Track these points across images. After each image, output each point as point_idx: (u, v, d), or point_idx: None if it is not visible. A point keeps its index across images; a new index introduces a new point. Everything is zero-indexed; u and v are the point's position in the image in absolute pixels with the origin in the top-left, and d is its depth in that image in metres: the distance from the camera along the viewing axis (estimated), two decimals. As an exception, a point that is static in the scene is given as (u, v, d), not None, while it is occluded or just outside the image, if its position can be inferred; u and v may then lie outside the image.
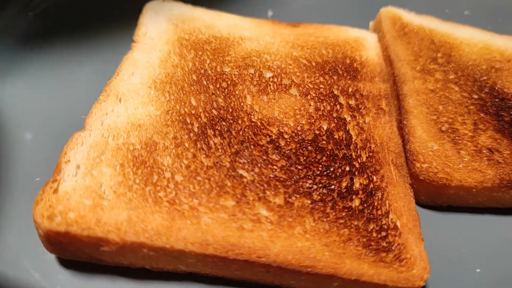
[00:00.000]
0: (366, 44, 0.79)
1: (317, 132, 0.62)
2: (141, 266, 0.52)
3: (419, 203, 0.63)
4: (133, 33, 0.74)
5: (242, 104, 0.64)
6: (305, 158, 0.59)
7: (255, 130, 0.61)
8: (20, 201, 0.58)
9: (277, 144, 0.60)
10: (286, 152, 0.59)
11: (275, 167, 0.57)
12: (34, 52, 0.76)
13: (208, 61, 0.70)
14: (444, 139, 0.65)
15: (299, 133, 0.62)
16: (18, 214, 0.56)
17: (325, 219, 0.54)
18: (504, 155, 0.64)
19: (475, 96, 0.71)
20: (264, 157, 0.58)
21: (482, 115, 0.69)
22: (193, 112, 0.62)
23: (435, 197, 0.63)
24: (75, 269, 0.53)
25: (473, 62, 0.77)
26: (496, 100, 0.71)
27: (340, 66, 0.73)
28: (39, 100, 0.70)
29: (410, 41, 0.79)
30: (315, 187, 0.56)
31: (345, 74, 0.72)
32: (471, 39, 0.81)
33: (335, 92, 0.69)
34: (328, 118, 0.65)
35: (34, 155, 0.63)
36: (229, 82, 0.67)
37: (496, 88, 0.73)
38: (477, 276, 0.58)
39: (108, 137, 0.57)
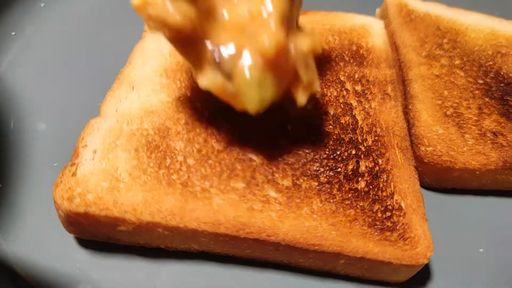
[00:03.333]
0: (372, 31, 0.80)
1: (324, 117, 0.64)
2: (156, 246, 0.55)
3: (424, 186, 0.65)
4: (143, 22, 0.76)
5: (250, 90, 0.66)
6: (312, 142, 0.61)
7: (264, 115, 0.63)
8: (40, 185, 0.60)
9: (285, 128, 0.62)
10: (294, 136, 0.61)
11: (283, 151, 0.59)
12: (45, 41, 0.78)
13: (217, 49, 0.71)
14: (448, 123, 0.66)
15: (306, 118, 0.64)
16: (38, 197, 0.59)
17: (331, 200, 0.56)
18: (508, 138, 0.65)
19: (480, 81, 0.72)
20: (273, 141, 0.60)
21: (487, 99, 0.70)
22: (203, 98, 0.63)
23: (439, 179, 0.65)
24: (94, 248, 0.56)
25: (479, 47, 0.78)
26: (502, 85, 0.72)
27: (346, 53, 0.74)
28: (52, 89, 0.72)
29: (416, 28, 0.79)
30: (322, 170, 0.58)
31: (351, 61, 0.73)
32: (477, 25, 0.82)
33: (342, 78, 0.70)
34: (335, 104, 0.66)
35: (49, 141, 0.65)
36: (238, 69, 0.69)
37: (502, 73, 0.73)
38: (480, 256, 0.59)
39: (123, 123, 0.59)
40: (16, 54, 0.76)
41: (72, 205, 0.51)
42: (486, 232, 0.62)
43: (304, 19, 0.80)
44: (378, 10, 0.88)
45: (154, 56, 0.69)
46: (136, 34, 0.74)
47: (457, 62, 0.75)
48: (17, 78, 0.72)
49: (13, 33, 0.79)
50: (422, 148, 0.63)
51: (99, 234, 0.53)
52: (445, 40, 0.78)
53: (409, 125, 0.67)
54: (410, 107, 0.68)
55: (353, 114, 0.65)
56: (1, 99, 0.69)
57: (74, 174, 0.53)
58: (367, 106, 0.67)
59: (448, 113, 0.67)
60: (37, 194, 0.59)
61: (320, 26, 0.79)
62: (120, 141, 0.57)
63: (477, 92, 0.71)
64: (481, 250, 0.60)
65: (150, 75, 0.66)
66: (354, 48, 0.76)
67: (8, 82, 0.72)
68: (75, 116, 0.66)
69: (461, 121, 0.67)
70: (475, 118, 0.67)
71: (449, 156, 0.63)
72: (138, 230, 0.52)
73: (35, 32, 0.79)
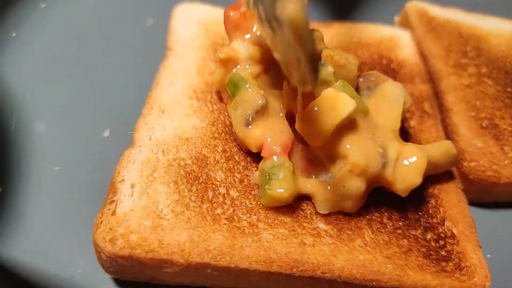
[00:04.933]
0: (400, 43, 0.77)
1: (363, 138, 0.62)
2: (202, 285, 0.52)
3: (467, 202, 0.63)
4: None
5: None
6: (355, 166, 0.58)
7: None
8: (40, 189, 0.58)
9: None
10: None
11: (327, 178, 0.57)
12: (46, 43, 0.75)
13: (245, 67, 0.68)
14: (486, 136, 0.64)
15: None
16: (39, 201, 0.57)
17: (383, 230, 0.53)
18: (546, 147, 0.64)
19: (509, 89, 0.71)
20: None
21: None
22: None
23: (483, 195, 0.63)
24: (97, 269, 0.52)
25: (502, 53, 0.76)
26: None
27: (377, 68, 0.72)
28: (53, 90, 0.69)
29: (439, 36, 0.77)
30: (368, 197, 0.56)
31: (383, 76, 0.71)
32: (497, 29, 0.80)
33: (377, 95, 0.68)
34: (372, 124, 0.64)
35: (51, 144, 0.63)
36: (270, 89, 0.66)
37: (528, 80, 0.72)
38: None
39: (158, 153, 0.56)
40: (17, 55, 0.73)
41: (116, 248, 0.47)
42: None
43: (329, 32, 0.78)
44: (397, 18, 0.86)
45: (181, 76, 0.65)
46: (133, 31, 0.74)
47: (484, 70, 0.73)
48: (18, 80, 0.69)
49: (14, 34, 0.75)
50: (465, 164, 0.61)
51: (141, 275, 0.50)
52: (468, 48, 0.76)
53: (449, 139, 0.64)
54: (447, 120, 0.66)
55: (393, 134, 0.63)
56: (2, 100, 0.66)
57: (114, 213, 0.50)
58: (406, 125, 0.65)
59: (483, 124, 0.66)
60: (37, 198, 0.58)
61: (348, 39, 0.76)
62: (158, 173, 0.54)
63: (507, 101, 0.69)
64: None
65: (179, 97, 0.63)
66: (384, 62, 0.73)
67: (9, 83, 0.69)
68: (76, 118, 0.65)
69: (497, 133, 0.65)
70: (510, 129, 0.66)
71: (493, 171, 0.61)
72: (186, 271, 0.49)
73: (36, 34, 0.76)
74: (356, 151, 0.49)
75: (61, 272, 0.52)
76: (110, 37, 0.77)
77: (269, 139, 0.52)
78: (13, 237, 0.54)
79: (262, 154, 0.53)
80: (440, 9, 0.83)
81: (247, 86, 0.55)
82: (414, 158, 0.51)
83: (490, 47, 0.77)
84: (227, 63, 0.57)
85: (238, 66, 0.56)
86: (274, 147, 0.52)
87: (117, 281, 0.53)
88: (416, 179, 0.51)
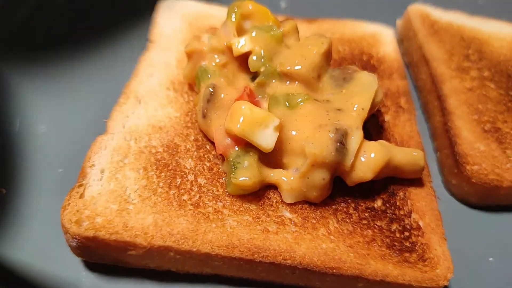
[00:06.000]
0: (382, 39, 0.78)
1: (336, 131, 0.62)
2: (167, 269, 0.53)
3: (470, 205, 0.64)
4: (147, 32, 0.74)
5: (261, 103, 0.64)
6: (326, 158, 0.59)
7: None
8: (44, 191, 0.58)
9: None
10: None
11: (296, 168, 0.57)
12: (49, 45, 0.76)
13: (225, 61, 0.69)
14: (488, 139, 0.64)
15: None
16: (43, 204, 0.57)
17: (348, 220, 0.54)
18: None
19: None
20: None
21: None
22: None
23: (486, 198, 0.63)
24: (101, 271, 0.53)
25: (504, 57, 0.76)
26: None
27: (357, 63, 0.73)
28: (56, 93, 0.70)
29: (442, 39, 0.77)
30: (336, 187, 0.56)
31: (362, 71, 0.71)
32: (499, 33, 0.80)
33: (353, 90, 0.68)
34: (347, 117, 0.64)
35: (54, 146, 0.63)
36: (247, 82, 0.67)
37: (530, 84, 0.71)
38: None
39: (130, 140, 0.57)
40: (20, 57, 0.74)
41: (81, 229, 0.48)
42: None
43: (312, 27, 0.78)
44: (399, 21, 0.85)
45: (160, 68, 0.67)
46: (135, 31, 0.74)
47: (486, 73, 0.73)
48: (21, 82, 0.70)
49: (18, 37, 0.76)
50: (468, 167, 0.61)
51: (107, 258, 0.51)
52: (470, 51, 0.76)
53: (451, 143, 0.64)
54: (449, 124, 0.66)
55: (366, 128, 0.63)
56: (7, 102, 0.67)
57: (81, 196, 0.51)
58: (380, 120, 0.65)
59: (486, 128, 0.65)
60: (42, 201, 0.58)
61: (330, 35, 0.76)
62: (128, 159, 0.55)
63: (510, 104, 0.69)
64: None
65: (156, 88, 0.64)
66: (365, 58, 0.74)
67: (12, 85, 0.70)
68: (80, 120, 0.65)
69: (500, 136, 0.65)
70: None
71: (495, 174, 0.61)
72: (149, 254, 0.50)
73: (39, 36, 0.77)
74: (312, 144, 0.50)
75: (65, 274, 0.52)
76: (111, 37, 0.78)
77: (218, 135, 0.53)
78: (16, 238, 0.54)
79: (216, 152, 0.54)
80: (442, 12, 0.83)
81: (209, 77, 0.56)
82: (373, 155, 0.52)
83: (492, 51, 0.76)
84: (193, 56, 0.58)
85: (206, 59, 0.57)
86: (227, 140, 0.53)
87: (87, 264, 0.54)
88: (367, 175, 0.52)
